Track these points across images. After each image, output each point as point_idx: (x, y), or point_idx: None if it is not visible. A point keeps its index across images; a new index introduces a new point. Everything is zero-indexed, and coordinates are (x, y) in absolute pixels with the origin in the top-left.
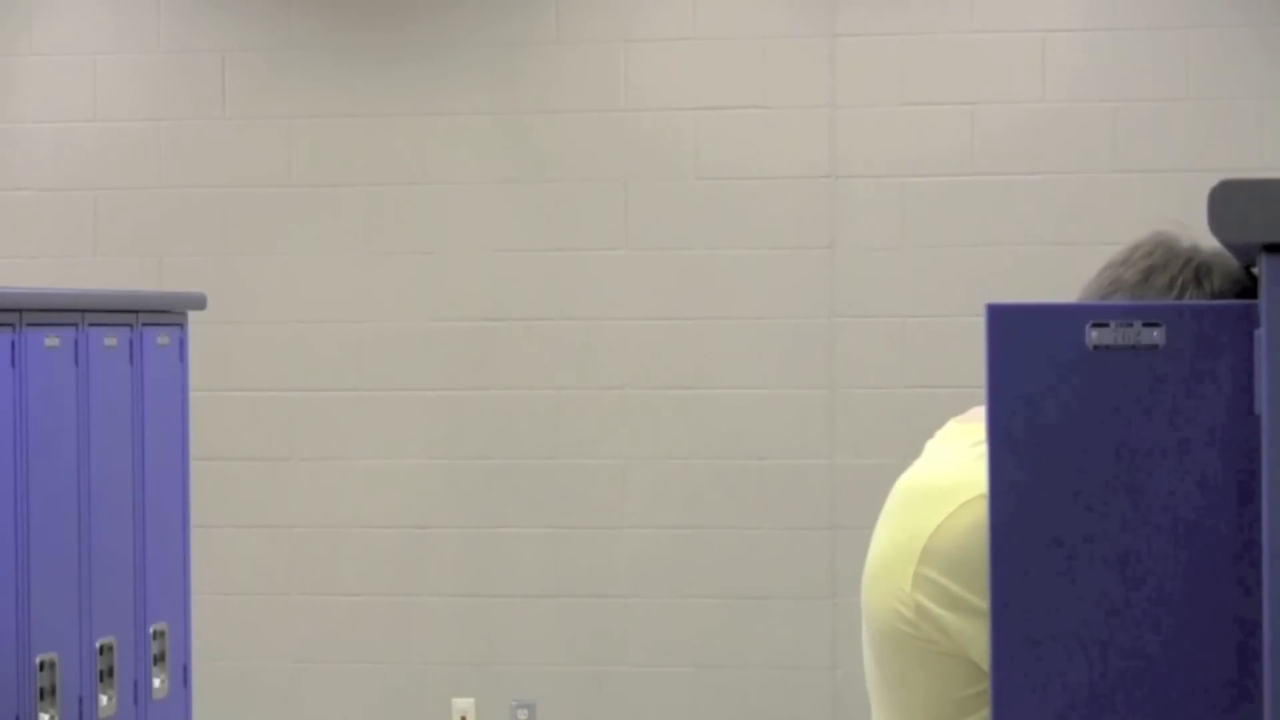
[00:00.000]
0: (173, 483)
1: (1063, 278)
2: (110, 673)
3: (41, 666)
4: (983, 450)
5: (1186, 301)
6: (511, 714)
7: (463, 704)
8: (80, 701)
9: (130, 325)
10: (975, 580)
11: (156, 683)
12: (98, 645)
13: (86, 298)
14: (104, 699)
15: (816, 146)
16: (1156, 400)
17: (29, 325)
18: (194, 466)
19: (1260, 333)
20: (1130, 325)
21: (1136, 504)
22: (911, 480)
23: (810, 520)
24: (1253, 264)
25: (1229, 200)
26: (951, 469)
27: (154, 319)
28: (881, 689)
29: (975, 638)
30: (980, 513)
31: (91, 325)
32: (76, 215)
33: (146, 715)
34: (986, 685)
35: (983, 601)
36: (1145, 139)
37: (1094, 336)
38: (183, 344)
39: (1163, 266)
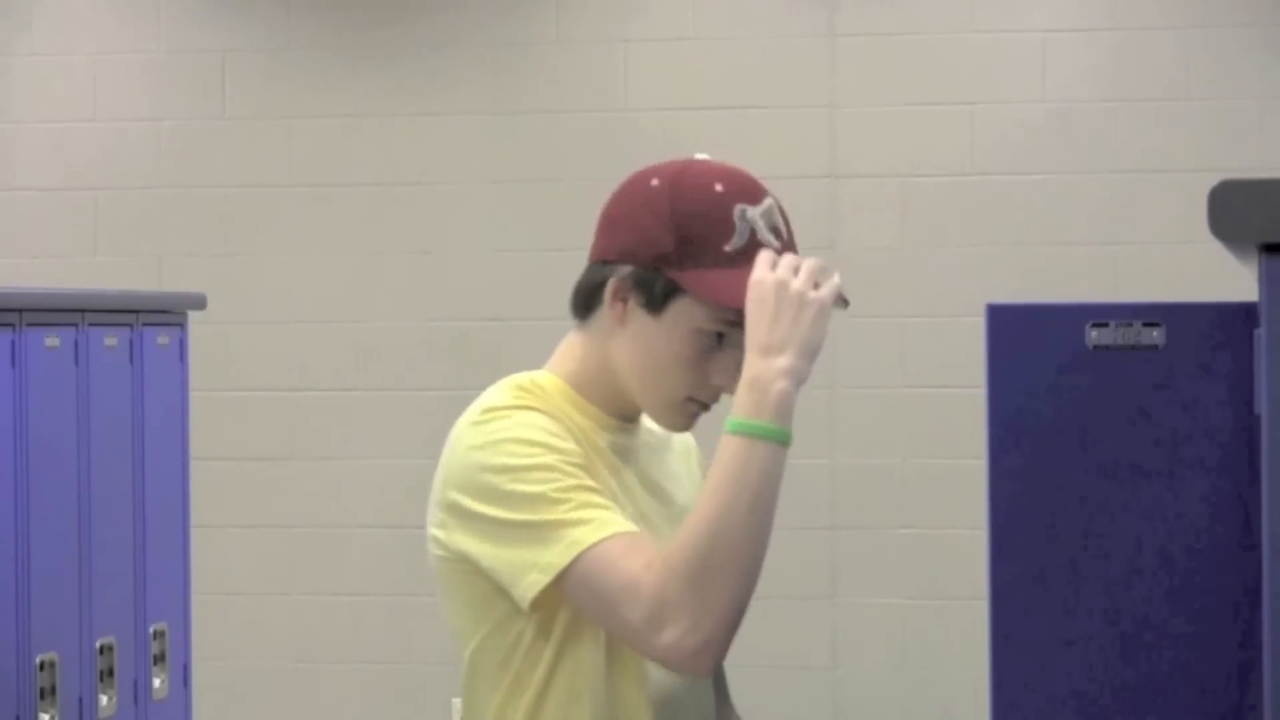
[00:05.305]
0: (173, 483)
1: (1063, 278)
2: (110, 673)
3: (41, 666)
4: (518, 379)
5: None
6: None
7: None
8: (80, 701)
9: (130, 325)
10: (472, 488)
11: (156, 683)
12: (98, 645)
13: (86, 298)
14: (104, 699)
15: (816, 146)
16: (1156, 400)
17: (29, 325)
18: (194, 466)
19: (1260, 333)
20: (1130, 325)
21: (1136, 502)
22: None
23: (810, 520)
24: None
25: (1229, 200)
26: (478, 400)
27: (154, 319)
28: (447, 622)
29: (480, 543)
30: (486, 427)
31: (91, 325)
32: (76, 215)
33: (146, 715)
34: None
35: (481, 506)
36: (1145, 139)
37: (1094, 336)
38: (183, 344)
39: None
